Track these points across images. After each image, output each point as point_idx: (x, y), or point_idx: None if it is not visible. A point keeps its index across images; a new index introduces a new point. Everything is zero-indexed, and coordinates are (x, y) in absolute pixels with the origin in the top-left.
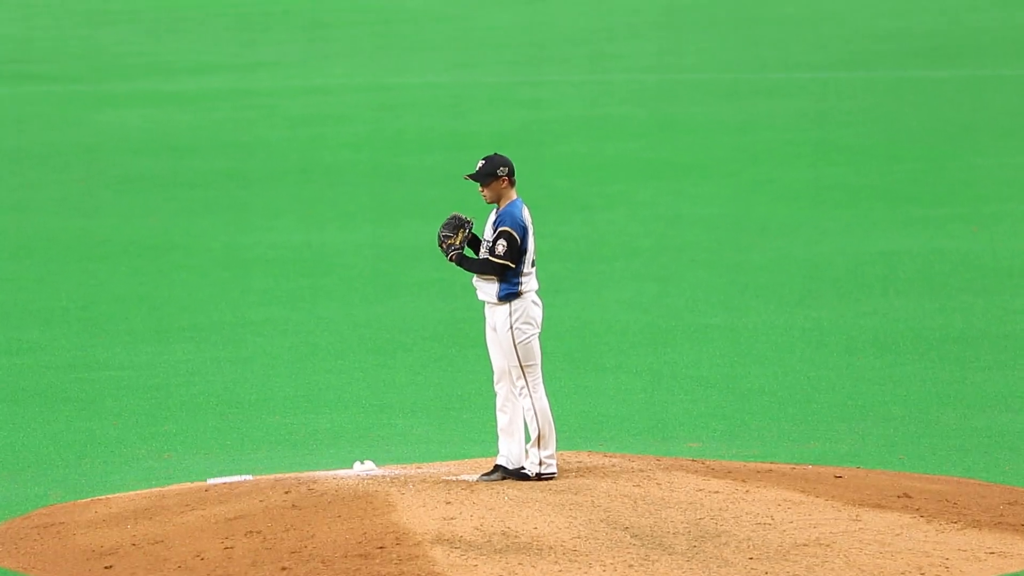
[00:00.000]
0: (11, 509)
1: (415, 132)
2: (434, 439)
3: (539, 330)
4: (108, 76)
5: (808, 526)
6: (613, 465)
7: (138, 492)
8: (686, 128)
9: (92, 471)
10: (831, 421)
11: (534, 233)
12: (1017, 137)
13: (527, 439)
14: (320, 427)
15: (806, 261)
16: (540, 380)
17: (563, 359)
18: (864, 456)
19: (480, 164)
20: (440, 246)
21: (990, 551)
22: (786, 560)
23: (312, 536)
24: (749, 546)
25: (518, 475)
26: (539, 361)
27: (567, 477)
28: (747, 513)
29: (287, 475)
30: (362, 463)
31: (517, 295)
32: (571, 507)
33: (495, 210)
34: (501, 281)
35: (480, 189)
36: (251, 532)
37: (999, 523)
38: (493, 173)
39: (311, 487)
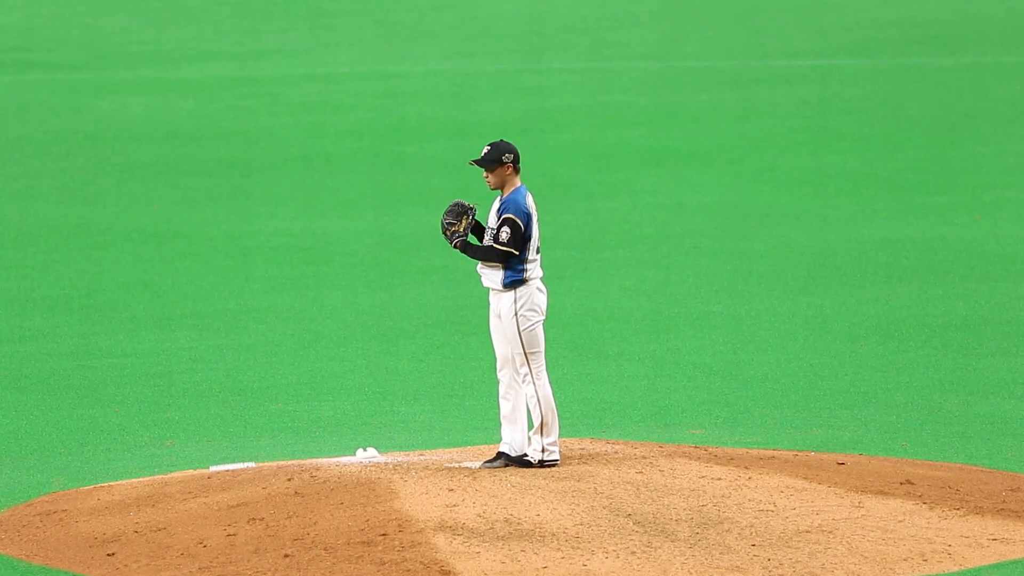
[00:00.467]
0: (14, 496)
1: (417, 120)
2: (436, 426)
3: (543, 317)
4: (110, 64)
5: (811, 513)
6: (616, 452)
7: (140, 479)
8: (688, 116)
9: (95, 458)
10: (834, 408)
11: (538, 220)
12: (1019, 124)
13: (530, 426)
14: (323, 414)
15: (809, 248)
16: (544, 367)
17: (566, 346)
18: (867, 443)
19: (486, 150)
20: (444, 233)
21: (992, 538)
22: (788, 547)
23: (315, 523)
24: (752, 533)
25: (521, 462)
26: (543, 348)
27: (570, 464)
28: (750, 500)
29: (290, 462)
30: (365, 450)
31: (522, 282)
32: (574, 494)
33: (499, 197)
34: (506, 268)
35: (484, 175)
36: (254, 519)
37: (1001, 510)
38: (498, 160)
39: (314, 474)
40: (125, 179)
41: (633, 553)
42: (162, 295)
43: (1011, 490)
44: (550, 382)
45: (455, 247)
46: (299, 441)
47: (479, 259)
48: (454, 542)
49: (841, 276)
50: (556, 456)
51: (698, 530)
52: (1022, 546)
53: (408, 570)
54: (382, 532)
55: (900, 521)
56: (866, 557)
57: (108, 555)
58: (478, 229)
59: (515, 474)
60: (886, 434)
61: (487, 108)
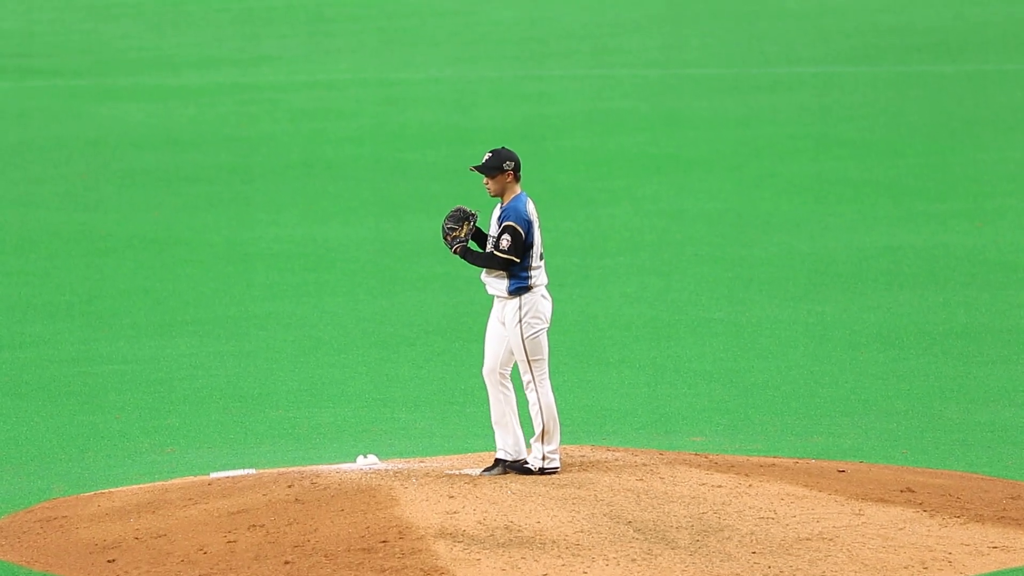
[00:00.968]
0: (14, 503)
1: (418, 127)
2: (437, 433)
3: (547, 325)
4: (111, 70)
5: (811, 520)
6: (616, 459)
7: (141, 486)
8: (689, 123)
9: (95, 465)
10: (834, 416)
11: (540, 227)
12: (1020, 131)
13: (530, 433)
14: (323, 421)
15: (809, 255)
16: (547, 375)
17: (567, 353)
18: (867, 450)
19: (487, 157)
20: (444, 238)
21: (993, 545)
22: (789, 554)
23: (315, 530)
24: (752, 540)
25: (521, 469)
26: (546, 356)
27: (570, 471)
28: (750, 507)
29: (290, 469)
30: (365, 457)
31: (527, 289)
32: (574, 501)
33: (499, 205)
34: (511, 276)
35: (484, 182)
36: (254, 526)
37: (1002, 517)
38: (499, 167)
39: (314, 481)
40: (126, 185)
41: (633, 560)
42: (163, 301)
43: (1011, 498)
44: (553, 390)
45: (455, 252)
46: (299, 448)
47: (479, 266)
48: (454, 549)
49: (842, 283)
50: (557, 464)
51: (699, 537)
52: (1023, 554)
53: None
54: (382, 539)
55: (901, 529)
56: (866, 565)
57: (109, 562)
58: (479, 236)
59: (515, 481)
60: (887, 442)
61: (488, 115)
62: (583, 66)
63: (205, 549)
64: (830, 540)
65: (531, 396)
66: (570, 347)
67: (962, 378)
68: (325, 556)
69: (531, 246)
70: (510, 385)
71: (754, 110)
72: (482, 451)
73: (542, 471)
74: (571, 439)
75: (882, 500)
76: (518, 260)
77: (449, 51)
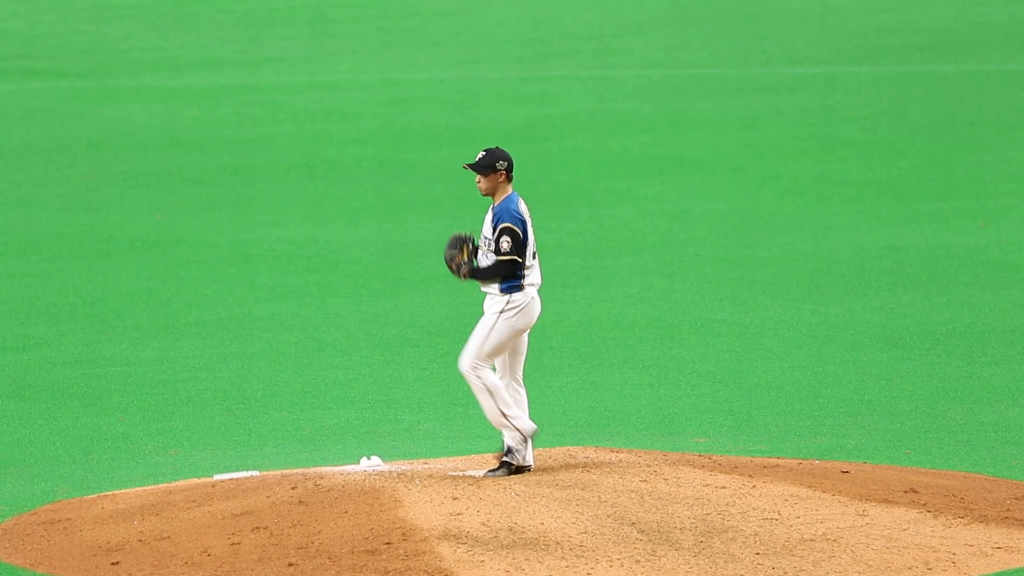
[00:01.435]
0: (18, 505)
1: (421, 128)
2: (440, 435)
3: (528, 328)
4: (113, 72)
5: (815, 521)
6: (620, 460)
7: (145, 488)
8: (692, 123)
9: (99, 467)
10: (838, 416)
11: (533, 226)
12: (1023, 132)
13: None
14: (327, 423)
15: (812, 256)
16: (487, 366)
17: (570, 354)
18: (871, 451)
19: (480, 155)
20: (449, 266)
21: (997, 546)
22: (793, 555)
23: (319, 532)
24: (756, 541)
25: (508, 470)
26: (502, 355)
27: (574, 472)
28: (754, 508)
29: (294, 471)
30: (368, 459)
31: (519, 288)
32: (578, 502)
33: (491, 207)
34: (505, 279)
35: (476, 180)
36: (258, 528)
37: (1006, 518)
38: (492, 166)
39: (318, 483)
40: (129, 187)
41: (637, 562)
42: (166, 303)
43: (1015, 498)
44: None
45: (465, 276)
46: (303, 450)
47: (489, 278)
48: (458, 551)
49: (845, 284)
50: (526, 423)
51: (702, 539)
52: None
53: None
54: (386, 541)
55: (904, 529)
56: (870, 566)
57: (112, 564)
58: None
59: (519, 483)
60: (890, 442)
61: (491, 115)
62: (586, 67)
63: (209, 551)
64: (834, 541)
65: (473, 381)
66: (573, 348)
67: (966, 378)
68: (329, 558)
69: (526, 245)
70: (522, 389)
71: (757, 111)
72: (486, 452)
73: (525, 442)
74: (575, 440)
75: (886, 501)
76: (521, 260)
77: (451, 52)
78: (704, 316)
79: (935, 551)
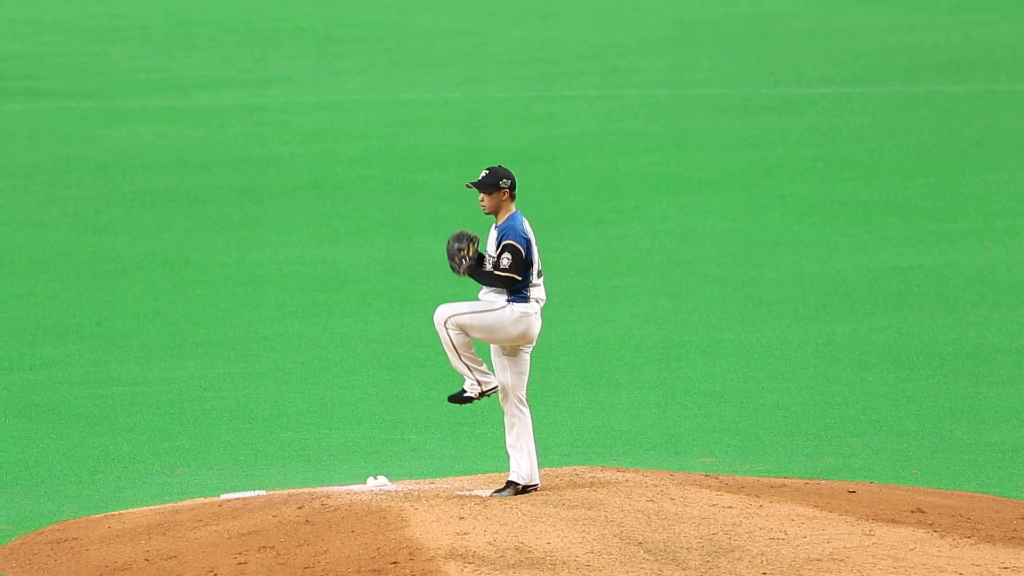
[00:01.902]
0: (25, 524)
1: (428, 148)
2: (447, 454)
3: (525, 344)
4: (120, 92)
5: (822, 541)
6: (626, 480)
7: (151, 507)
8: (699, 143)
9: (105, 486)
10: (844, 436)
11: (537, 244)
12: None
13: (542, 455)
14: (333, 442)
15: (819, 276)
16: (468, 338)
17: (576, 374)
18: (878, 471)
19: (484, 174)
20: (451, 258)
21: (1004, 566)
22: (799, 575)
23: (325, 551)
24: (763, 561)
25: (460, 397)
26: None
27: (580, 492)
28: (761, 528)
29: (300, 490)
30: (375, 478)
31: (525, 300)
32: (584, 522)
33: (494, 225)
34: (510, 293)
35: (480, 199)
36: (264, 547)
37: (1013, 538)
38: (496, 184)
39: (324, 502)
40: (136, 207)
41: None
42: (173, 323)
43: (1022, 518)
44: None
45: (464, 271)
46: (310, 469)
47: (484, 283)
48: (465, 570)
49: (851, 304)
50: (487, 378)
51: (709, 558)
52: None
53: None
54: (393, 560)
55: (911, 549)
56: None
57: None
58: (479, 260)
59: (526, 502)
60: (897, 462)
61: (498, 136)
62: (592, 87)
63: (215, 571)
64: (840, 561)
65: (442, 333)
66: (580, 368)
67: (972, 398)
68: None
69: (530, 264)
70: (526, 409)
71: (763, 131)
72: (492, 472)
73: (482, 395)
74: (581, 460)
75: (892, 520)
76: (519, 278)
77: (458, 72)
78: (711, 336)
79: (942, 571)
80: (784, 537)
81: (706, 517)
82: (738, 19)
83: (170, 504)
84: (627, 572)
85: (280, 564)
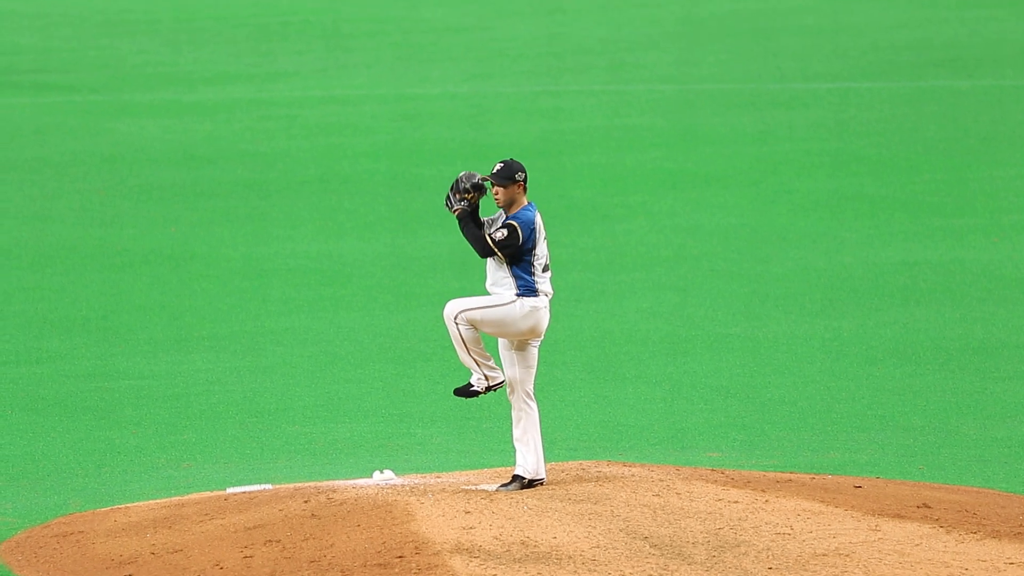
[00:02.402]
0: (31, 518)
1: (434, 142)
2: (453, 449)
3: (533, 339)
4: (127, 86)
5: (827, 536)
6: (632, 475)
7: (158, 501)
8: (705, 138)
9: (112, 480)
10: (851, 431)
11: (546, 239)
12: None
13: (548, 450)
14: (340, 436)
15: (826, 271)
16: (478, 334)
17: (582, 369)
18: (884, 466)
19: (499, 167)
20: (453, 193)
21: (1010, 561)
22: (805, 570)
23: (331, 545)
24: (768, 556)
25: (466, 391)
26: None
27: (586, 486)
28: (766, 523)
29: (306, 484)
30: (381, 472)
31: (533, 294)
32: (590, 516)
33: (501, 213)
34: (517, 284)
35: (494, 192)
36: (270, 541)
37: (1019, 533)
38: (512, 177)
39: (330, 496)
40: (143, 201)
41: None
42: (179, 317)
43: None
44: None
45: (456, 212)
46: (316, 463)
47: (468, 237)
48: (471, 564)
49: (858, 299)
50: (495, 374)
51: (715, 553)
52: None
53: None
54: (399, 554)
55: (917, 545)
56: None
57: None
58: (474, 211)
59: (532, 496)
60: (903, 457)
61: (504, 130)
62: (599, 82)
63: (221, 564)
64: (846, 556)
65: (451, 327)
66: (586, 362)
67: (979, 394)
68: (341, 571)
69: (531, 249)
70: (534, 403)
71: (770, 126)
72: (498, 467)
73: (488, 389)
74: (587, 454)
75: (899, 516)
76: (503, 256)
77: (465, 67)
78: (717, 331)
79: (948, 566)
80: (790, 532)
81: (712, 512)
82: (745, 14)
83: (176, 498)
84: (633, 567)
85: (286, 558)
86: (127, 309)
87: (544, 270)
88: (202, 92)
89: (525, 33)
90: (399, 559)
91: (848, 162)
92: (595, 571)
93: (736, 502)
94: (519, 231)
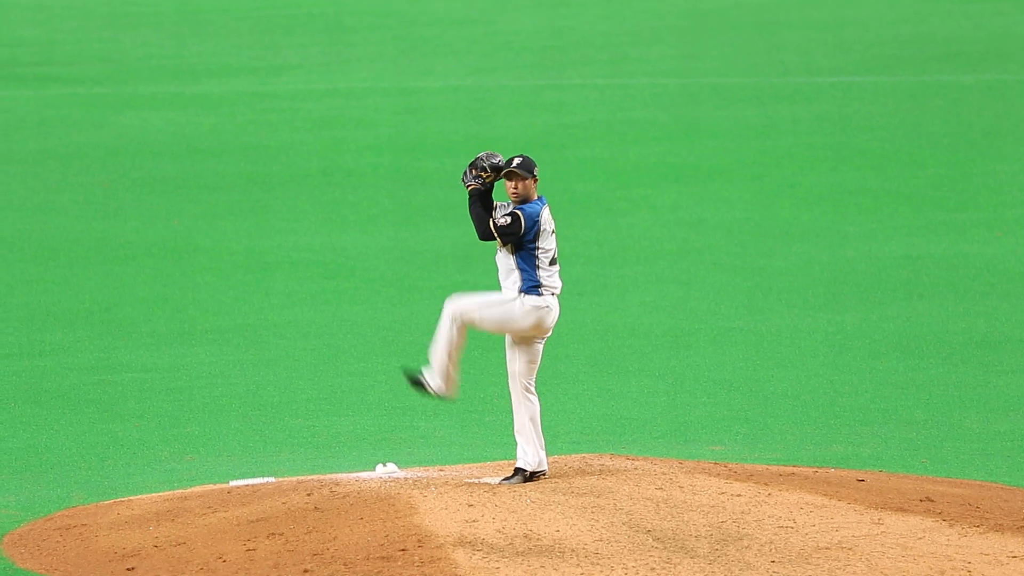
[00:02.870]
0: (34, 511)
1: (437, 136)
2: (456, 441)
3: (540, 336)
4: (130, 79)
5: (830, 530)
6: (635, 468)
7: (160, 494)
8: (708, 132)
9: (114, 473)
10: (853, 425)
11: (555, 233)
12: None
13: (549, 443)
14: (342, 429)
15: (829, 265)
16: (463, 330)
17: (585, 362)
18: (887, 460)
19: (519, 160)
20: (471, 168)
21: (1013, 555)
22: (808, 563)
23: (334, 538)
24: (771, 549)
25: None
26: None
27: (589, 479)
28: (769, 516)
29: (309, 477)
30: (384, 465)
31: (537, 291)
32: (593, 510)
33: (510, 203)
34: (523, 279)
35: (512, 186)
36: (273, 534)
37: (1022, 527)
38: (531, 171)
39: (333, 489)
40: (145, 194)
41: (652, 569)
42: (182, 310)
43: None
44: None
45: (470, 186)
46: (319, 456)
47: (473, 214)
48: (474, 557)
49: (861, 293)
50: (450, 387)
51: (718, 546)
52: None
53: None
54: (402, 547)
55: (920, 538)
56: (885, 574)
57: (128, 569)
58: (487, 191)
59: (535, 490)
60: (906, 451)
61: (507, 124)
62: (602, 75)
63: (224, 557)
64: (849, 549)
65: (445, 323)
66: (589, 356)
67: (982, 388)
68: (344, 564)
69: (532, 241)
70: (534, 396)
71: (773, 120)
72: (501, 460)
73: (434, 394)
74: (590, 447)
75: (901, 509)
76: (501, 241)
77: (468, 60)
78: (720, 324)
79: (950, 560)
80: (793, 525)
81: (715, 505)
82: (748, 8)
83: (179, 490)
84: (636, 560)
85: (289, 551)
86: (130, 302)
87: (552, 263)
88: (205, 85)
89: (528, 26)
90: (402, 552)
91: (851, 156)
92: (598, 564)
93: (739, 495)
94: (522, 221)
